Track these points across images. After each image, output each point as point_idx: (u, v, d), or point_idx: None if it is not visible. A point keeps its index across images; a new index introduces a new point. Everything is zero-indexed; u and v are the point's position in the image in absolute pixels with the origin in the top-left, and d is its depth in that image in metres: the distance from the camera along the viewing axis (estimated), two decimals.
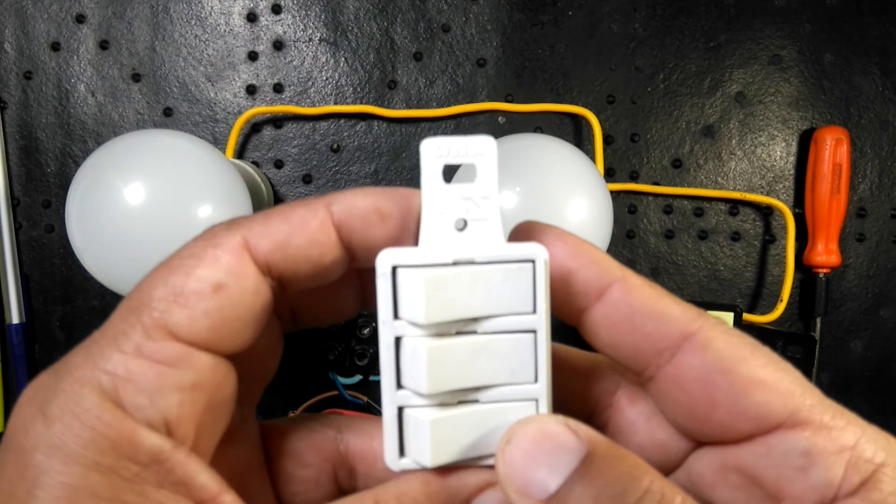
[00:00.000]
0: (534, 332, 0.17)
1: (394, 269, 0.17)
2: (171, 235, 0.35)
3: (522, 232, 0.18)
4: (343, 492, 0.19)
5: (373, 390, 0.49)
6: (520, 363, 0.17)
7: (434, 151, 0.17)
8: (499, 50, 0.48)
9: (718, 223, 0.49)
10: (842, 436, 0.16)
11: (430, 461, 0.17)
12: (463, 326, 0.17)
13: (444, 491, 0.17)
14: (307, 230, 0.16)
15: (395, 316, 0.17)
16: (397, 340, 0.17)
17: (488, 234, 0.17)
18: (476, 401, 0.17)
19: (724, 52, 0.48)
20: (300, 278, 0.17)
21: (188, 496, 0.15)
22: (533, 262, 0.17)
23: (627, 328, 0.17)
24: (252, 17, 0.48)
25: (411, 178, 0.49)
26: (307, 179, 0.49)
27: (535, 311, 0.17)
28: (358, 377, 0.48)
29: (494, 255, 0.17)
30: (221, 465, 0.16)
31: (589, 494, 0.15)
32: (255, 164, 0.49)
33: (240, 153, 0.49)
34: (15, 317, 0.48)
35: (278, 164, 0.49)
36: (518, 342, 0.17)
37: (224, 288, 0.15)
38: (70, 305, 0.49)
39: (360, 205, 0.16)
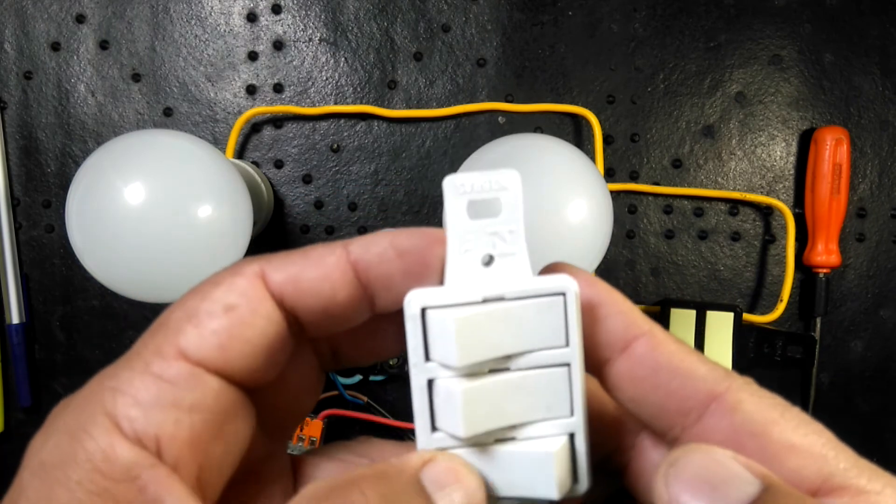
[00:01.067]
0: (567, 365, 0.17)
1: (423, 311, 0.16)
2: (171, 235, 0.35)
3: (550, 272, 0.17)
4: None
5: (373, 390, 0.49)
6: (555, 398, 0.17)
7: (457, 189, 0.17)
8: (499, 50, 0.48)
9: (718, 223, 0.49)
10: (880, 500, 0.15)
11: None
12: (496, 364, 0.17)
13: None
14: (320, 266, 0.16)
15: (427, 358, 0.16)
16: (430, 382, 0.16)
17: (516, 269, 0.17)
18: (513, 438, 0.17)
19: (724, 52, 0.48)
20: (313, 313, 0.16)
21: None
22: (563, 294, 0.16)
23: (652, 385, 0.17)
24: (252, 17, 0.48)
25: (411, 178, 0.49)
26: (307, 179, 0.49)
27: (567, 344, 0.17)
28: (358, 377, 0.48)
29: (524, 290, 0.16)
30: (250, 502, 0.16)
31: None
32: (255, 164, 0.49)
33: (240, 153, 0.49)
34: (15, 317, 0.48)
35: (278, 164, 0.49)
36: (552, 377, 0.17)
37: (235, 309, 0.15)
38: (70, 305, 0.49)
39: (377, 242, 0.17)
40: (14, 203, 0.49)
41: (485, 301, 0.16)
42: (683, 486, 0.15)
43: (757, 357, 0.47)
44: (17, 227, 0.49)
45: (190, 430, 0.15)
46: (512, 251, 0.17)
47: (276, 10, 0.48)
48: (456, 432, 0.16)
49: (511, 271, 0.17)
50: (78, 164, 0.48)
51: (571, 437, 0.17)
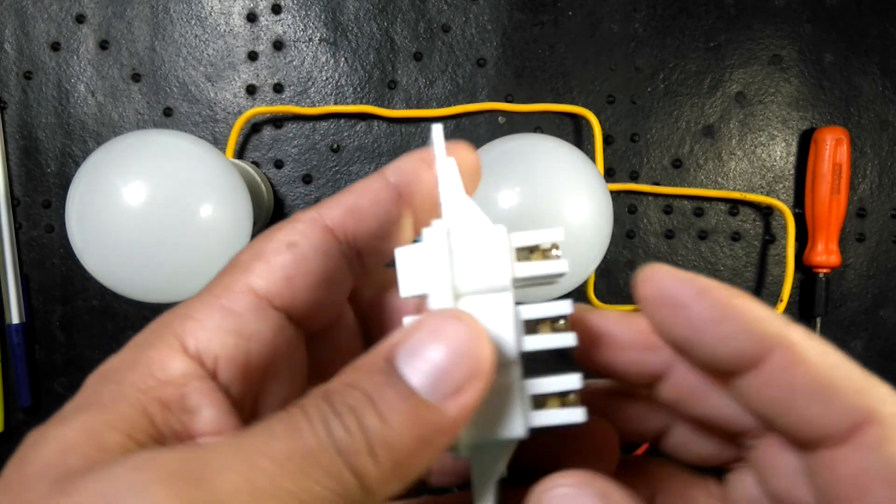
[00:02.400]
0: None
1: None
2: (171, 235, 0.35)
3: (655, 280, 0.16)
4: None
5: None
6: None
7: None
8: (499, 50, 0.48)
9: (718, 223, 0.49)
10: None
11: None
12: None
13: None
14: (368, 191, 0.18)
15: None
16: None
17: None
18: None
19: (724, 52, 0.48)
20: (371, 236, 0.18)
21: (185, 423, 0.15)
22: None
23: (786, 407, 0.15)
24: (252, 17, 0.48)
25: None
26: (307, 179, 0.49)
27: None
28: None
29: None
30: None
31: None
32: (255, 164, 0.49)
33: (240, 153, 0.49)
34: (15, 317, 0.48)
35: (278, 164, 0.49)
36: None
37: (296, 245, 0.17)
38: (70, 305, 0.49)
39: (407, 160, 0.18)
40: (14, 203, 0.49)
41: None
42: None
43: None
44: (17, 227, 0.49)
45: (247, 357, 0.16)
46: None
47: (276, 10, 0.48)
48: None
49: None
50: (78, 164, 0.48)
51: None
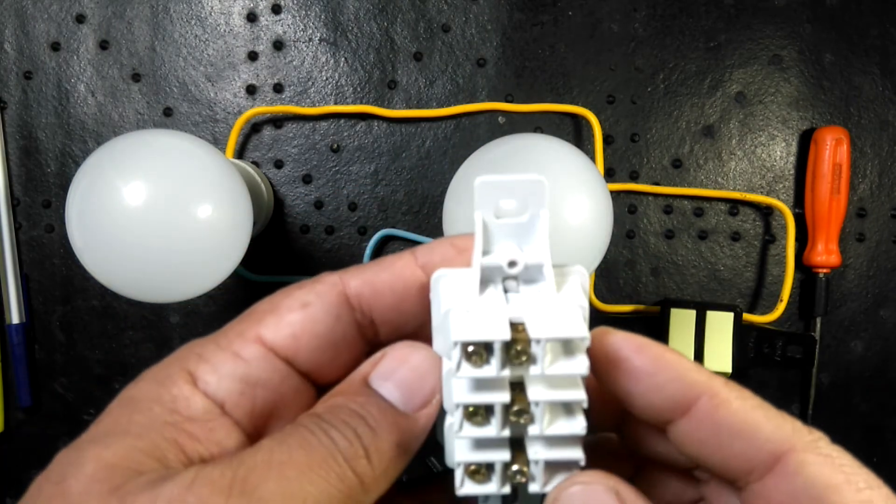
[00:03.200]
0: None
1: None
2: (171, 235, 0.35)
3: (596, 339, 0.18)
4: None
5: None
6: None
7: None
8: (499, 50, 0.48)
9: (718, 223, 0.49)
10: None
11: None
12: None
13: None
14: (392, 268, 0.19)
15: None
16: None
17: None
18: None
19: (724, 52, 0.48)
20: (388, 310, 0.19)
21: (213, 455, 0.16)
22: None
23: (715, 446, 0.17)
24: (252, 17, 0.48)
25: (411, 178, 0.49)
26: (307, 179, 0.49)
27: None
28: None
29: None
30: None
31: None
32: (255, 164, 0.49)
33: (240, 153, 0.49)
34: (15, 317, 0.48)
35: (278, 164, 0.49)
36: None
37: (310, 305, 0.18)
38: (70, 305, 0.49)
39: (439, 244, 0.19)
40: (14, 203, 0.49)
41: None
42: None
43: (757, 357, 0.47)
44: (17, 227, 0.49)
45: (252, 402, 0.17)
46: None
47: (276, 10, 0.48)
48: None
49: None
50: (78, 164, 0.48)
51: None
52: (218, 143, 0.49)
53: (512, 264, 0.17)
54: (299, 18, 0.49)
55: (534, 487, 0.17)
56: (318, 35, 0.49)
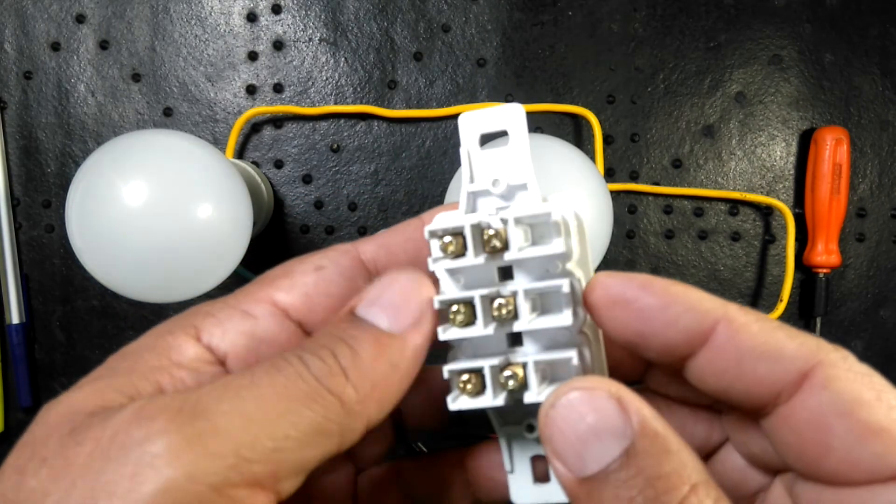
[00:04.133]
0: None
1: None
2: (171, 235, 0.35)
3: (598, 284, 0.17)
4: None
5: None
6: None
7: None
8: (499, 50, 0.48)
9: (718, 223, 0.49)
10: None
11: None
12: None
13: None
14: (403, 231, 0.19)
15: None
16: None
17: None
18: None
19: (724, 52, 0.48)
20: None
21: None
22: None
23: (737, 373, 0.16)
24: (252, 17, 0.48)
25: (411, 178, 0.49)
26: (307, 179, 0.49)
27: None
28: None
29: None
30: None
31: (625, 489, 0.14)
32: (255, 164, 0.49)
33: (240, 153, 0.49)
34: (15, 317, 0.48)
35: (278, 164, 0.49)
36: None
37: (323, 268, 0.18)
38: (70, 305, 0.49)
39: (444, 208, 0.19)
40: (14, 203, 0.49)
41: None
42: (559, 435, 0.15)
43: None
44: (17, 227, 0.49)
45: (256, 357, 0.17)
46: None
47: (276, 10, 0.48)
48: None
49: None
50: (78, 164, 0.48)
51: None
52: (218, 143, 0.49)
53: (495, 183, 0.18)
54: (299, 18, 0.49)
55: (529, 397, 0.17)
56: (318, 35, 0.49)
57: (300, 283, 0.18)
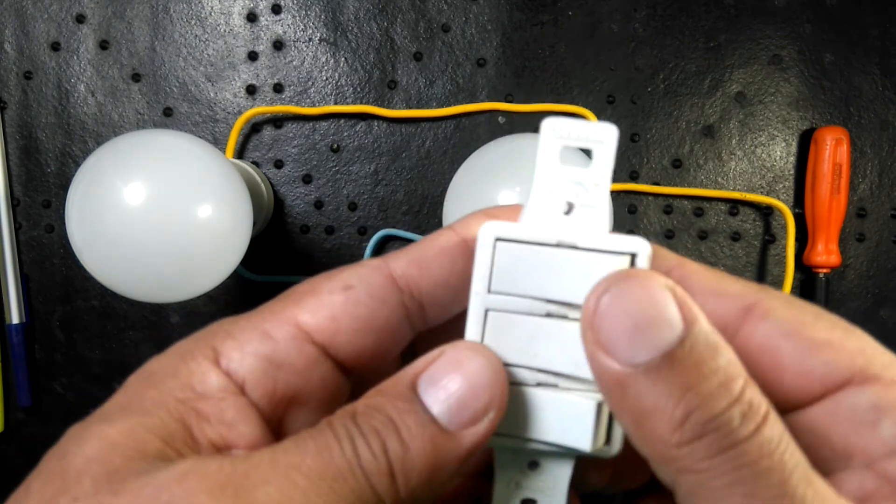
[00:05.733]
0: None
1: (495, 241, 0.17)
2: (171, 235, 0.35)
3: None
4: None
5: None
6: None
7: (554, 132, 0.17)
8: (499, 50, 0.48)
9: (718, 223, 0.49)
10: None
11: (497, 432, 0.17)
12: (553, 309, 0.17)
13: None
14: (435, 244, 0.18)
15: (489, 289, 0.17)
16: (486, 313, 0.17)
17: (593, 222, 0.17)
18: (556, 385, 0.17)
19: (724, 52, 0.48)
20: (436, 286, 0.18)
21: (222, 435, 0.16)
22: (634, 255, 0.16)
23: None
24: (252, 17, 0.48)
25: (411, 178, 0.49)
26: (307, 179, 0.49)
27: None
28: None
29: (597, 243, 0.16)
30: None
31: (675, 382, 0.14)
32: (255, 164, 0.49)
33: (240, 153, 0.49)
34: (15, 317, 0.48)
35: (278, 164, 0.49)
36: None
37: (352, 288, 0.17)
38: (70, 305, 0.49)
39: (476, 217, 0.18)
40: (14, 203, 0.49)
41: (558, 245, 0.17)
42: (610, 322, 0.15)
43: None
44: (17, 227, 0.49)
45: (274, 383, 0.16)
46: (593, 203, 0.17)
47: (276, 10, 0.48)
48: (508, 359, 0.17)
49: (588, 223, 0.17)
50: (78, 164, 0.48)
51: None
52: (218, 143, 0.49)
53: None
54: (299, 18, 0.49)
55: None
56: (318, 35, 0.49)
57: (326, 304, 0.17)
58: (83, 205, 0.35)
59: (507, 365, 0.17)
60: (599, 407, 0.16)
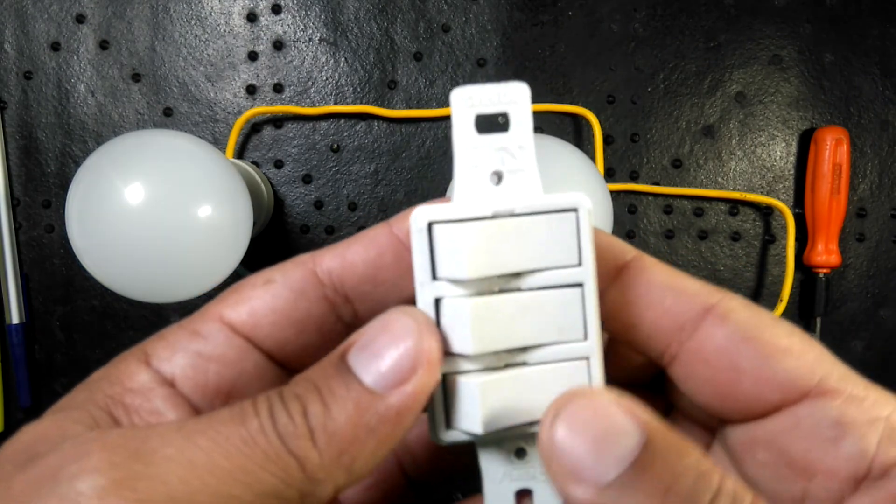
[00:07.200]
0: (580, 285, 0.16)
1: (430, 226, 0.16)
2: (171, 235, 0.35)
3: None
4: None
5: None
6: (568, 320, 0.16)
7: (465, 101, 0.16)
8: (499, 50, 0.48)
9: (718, 223, 0.49)
10: (874, 407, 0.15)
11: (480, 428, 0.15)
12: (505, 283, 0.16)
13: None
14: (363, 239, 0.17)
15: (434, 276, 0.16)
16: (437, 302, 0.16)
17: (526, 186, 0.16)
18: (524, 363, 0.16)
19: (724, 52, 0.48)
20: (360, 281, 0.17)
21: (150, 422, 0.16)
22: (576, 210, 0.16)
23: (645, 305, 0.17)
24: (252, 17, 0.48)
25: (411, 177, 0.49)
26: (307, 179, 0.49)
27: (580, 264, 0.16)
28: None
29: (535, 205, 0.16)
30: None
31: (653, 488, 0.14)
32: (255, 164, 0.49)
33: (240, 153, 0.49)
34: (15, 317, 0.48)
35: (278, 164, 0.49)
36: (565, 297, 0.16)
37: (271, 283, 0.17)
38: (70, 305, 0.49)
39: (414, 208, 0.18)
40: (14, 203, 0.49)
41: (495, 216, 0.16)
42: (570, 450, 0.14)
43: None
44: (17, 227, 0.49)
45: (205, 376, 0.16)
46: (521, 167, 0.16)
47: (276, 10, 0.48)
48: (465, 349, 0.16)
49: (521, 188, 0.16)
50: (78, 164, 0.48)
51: (586, 362, 0.16)
52: (218, 143, 0.49)
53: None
54: (299, 18, 0.49)
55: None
56: (318, 35, 0.49)
57: (246, 299, 0.17)
58: (83, 205, 0.35)
59: (472, 356, 0.16)
60: (588, 363, 0.16)
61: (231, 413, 0.14)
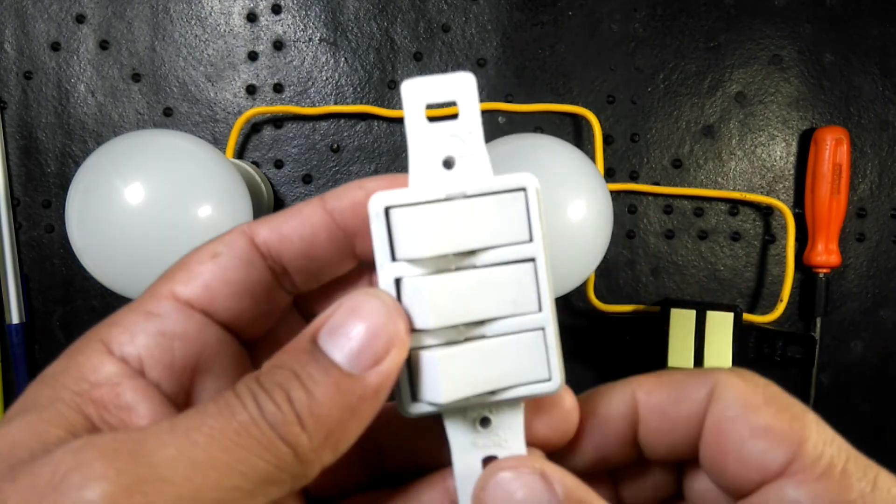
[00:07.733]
0: (532, 260, 0.17)
1: (387, 210, 0.17)
2: (171, 235, 0.35)
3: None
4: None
5: None
6: (522, 293, 0.17)
7: (414, 93, 0.17)
8: (499, 50, 0.48)
9: (718, 223, 0.49)
10: (840, 490, 0.16)
11: (443, 398, 0.16)
12: (461, 261, 0.17)
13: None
14: (299, 215, 0.18)
15: (393, 258, 0.17)
16: (397, 283, 0.17)
17: (477, 169, 0.17)
18: (482, 336, 0.17)
19: (724, 52, 0.48)
20: (297, 257, 0.18)
21: (122, 419, 0.16)
22: (524, 189, 0.17)
23: (731, 450, 0.18)
24: (252, 17, 0.48)
25: None
26: (307, 179, 0.49)
27: (531, 239, 0.17)
28: None
29: (485, 186, 0.17)
30: None
31: None
32: (255, 164, 0.49)
33: (240, 153, 0.49)
34: (15, 317, 0.48)
35: (278, 164, 0.49)
36: (518, 272, 0.17)
37: (219, 255, 0.17)
38: (70, 305, 0.49)
39: (349, 188, 0.18)
40: (14, 203, 0.49)
41: (448, 198, 0.17)
42: None
43: (757, 357, 0.47)
44: (17, 227, 0.49)
45: (171, 354, 0.16)
46: (471, 152, 0.17)
47: (276, 10, 0.48)
48: (425, 325, 0.17)
49: (472, 171, 0.17)
50: (78, 164, 0.48)
51: (542, 332, 0.17)
52: (218, 143, 0.49)
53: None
54: (299, 18, 0.49)
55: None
56: (318, 35, 0.49)
57: (197, 274, 0.17)
58: (83, 205, 0.35)
59: (433, 330, 0.17)
60: (543, 333, 0.17)
61: (218, 406, 0.14)
